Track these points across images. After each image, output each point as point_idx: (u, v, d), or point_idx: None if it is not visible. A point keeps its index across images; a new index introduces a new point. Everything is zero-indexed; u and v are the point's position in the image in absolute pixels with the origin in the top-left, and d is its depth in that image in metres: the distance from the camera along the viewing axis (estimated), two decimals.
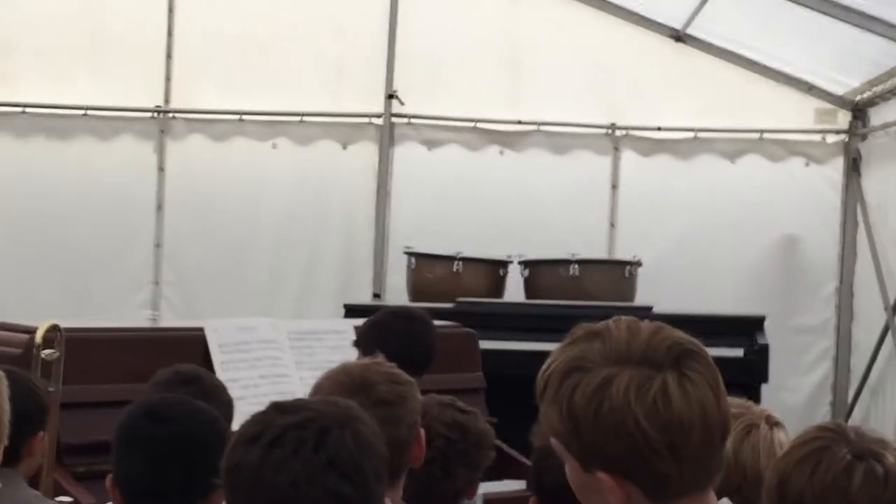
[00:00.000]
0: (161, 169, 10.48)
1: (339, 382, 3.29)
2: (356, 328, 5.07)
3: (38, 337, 4.43)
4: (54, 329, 4.45)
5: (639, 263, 9.52)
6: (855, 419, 10.25)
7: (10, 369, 3.93)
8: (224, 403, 3.97)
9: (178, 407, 3.13)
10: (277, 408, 2.35)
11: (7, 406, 2.49)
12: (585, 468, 2.13)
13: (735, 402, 3.07)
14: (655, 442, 2.06)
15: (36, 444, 3.88)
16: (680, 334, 2.17)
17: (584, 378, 2.10)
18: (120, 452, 3.10)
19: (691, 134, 10.44)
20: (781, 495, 2.78)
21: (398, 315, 4.91)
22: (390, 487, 3.12)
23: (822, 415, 10.42)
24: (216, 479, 2.57)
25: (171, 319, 10.25)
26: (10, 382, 3.72)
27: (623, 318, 2.20)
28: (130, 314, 10.38)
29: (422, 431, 3.34)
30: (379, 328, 4.82)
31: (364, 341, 4.80)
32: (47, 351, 4.42)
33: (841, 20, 8.38)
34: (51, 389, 4.34)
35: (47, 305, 10.15)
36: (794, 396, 10.22)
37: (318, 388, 3.33)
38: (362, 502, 2.28)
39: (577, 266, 9.31)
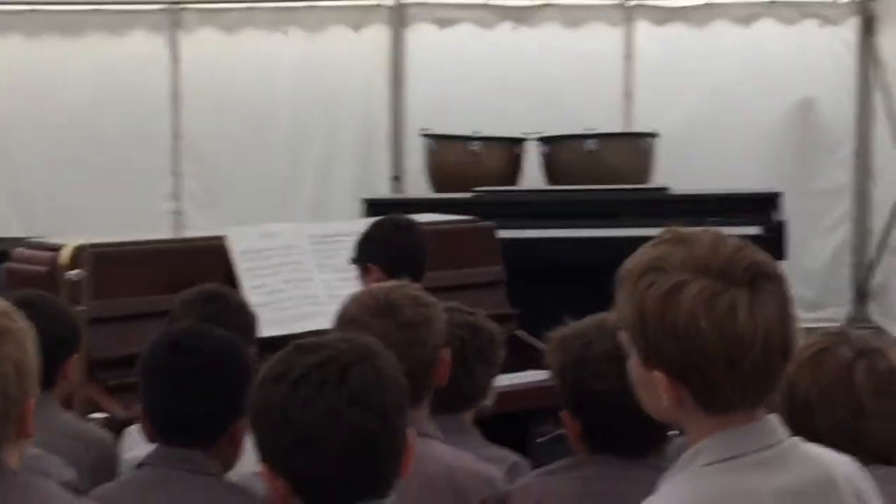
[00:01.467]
0: (175, 61, 10.48)
1: (364, 305, 3.35)
2: None
3: (64, 258, 4.49)
4: (81, 249, 4.52)
5: (656, 135, 9.53)
6: (877, 279, 10.33)
7: (42, 294, 4.03)
8: (247, 319, 4.05)
9: (198, 337, 3.19)
10: (298, 348, 2.43)
11: (34, 355, 2.57)
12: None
13: None
14: (714, 353, 2.12)
15: (69, 366, 3.96)
16: (762, 256, 2.20)
17: (659, 279, 2.15)
18: (145, 385, 3.17)
19: (704, 0, 10.36)
20: (790, 399, 2.85)
21: (384, 226, 5.00)
22: (416, 407, 3.21)
23: (844, 275, 10.50)
24: (241, 407, 2.68)
25: (194, 224, 10.34)
26: (43, 307, 3.81)
27: (713, 230, 2.23)
28: (154, 206, 10.47)
29: (446, 351, 3.41)
30: (369, 241, 4.93)
31: (358, 257, 4.91)
32: (73, 272, 4.50)
33: None
34: (80, 309, 4.42)
35: (70, 203, 10.26)
36: (814, 260, 10.29)
37: (344, 312, 3.38)
38: (386, 435, 2.36)
39: (594, 140, 9.31)
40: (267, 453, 2.38)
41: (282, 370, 2.38)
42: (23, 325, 2.58)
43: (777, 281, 2.19)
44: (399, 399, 2.41)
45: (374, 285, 3.51)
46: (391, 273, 4.71)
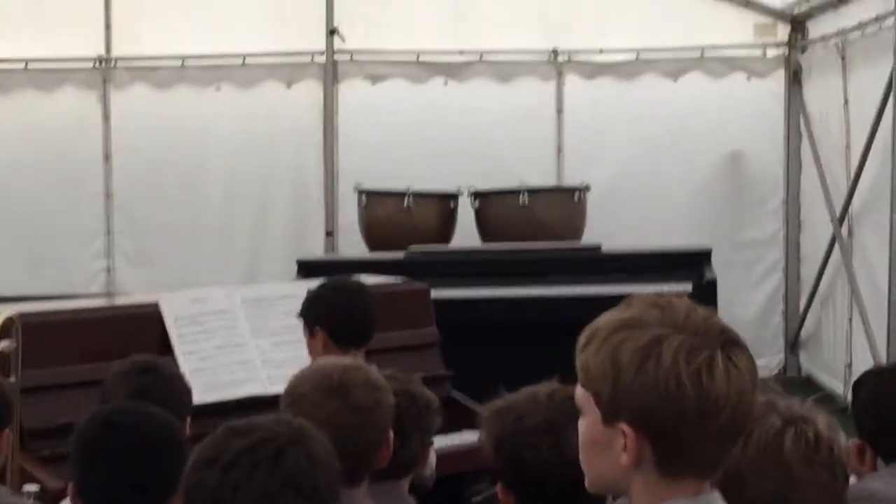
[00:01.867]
0: (106, 118, 10.47)
1: (318, 384, 3.35)
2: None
3: None
4: (10, 321, 4.48)
5: (587, 188, 9.60)
6: (807, 328, 10.44)
7: None
8: (181, 390, 4.03)
9: (132, 415, 3.18)
10: (231, 430, 2.42)
11: None
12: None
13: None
14: (689, 407, 2.15)
15: (2, 440, 3.93)
16: (729, 327, 2.26)
17: (635, 334, 2.20)
18: (78, 462, 3.15)
19: (633, 55, 10.48)
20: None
21: (334, 289, 4.96)
22: (355, 486, 3.22)
23: (775, 325, 10.60)
24: (174, 485, 2.68)
25: (125, 282, 10.31)
26: None
27: (684, 298, 2.29)
28: (85, 265, 10.43)
29: (391, 433, 3.42)
30: (317, 304, 4.90)
31: (306, 316, 4.88)
32: (4, 342, 4.46)
33: None
34: (11, 380, 4.38)
35: (1, 262, 10.19)
36: (746, 309, 10.38)
37: (294, 387, 3.38)
38: None
39: (526, 195, 9.36)
40: None
41: (214, 453, 2.37)
42: None
43: (746, 352, 2.24)
44: (332, 481, 2.41)
45: (328, 362, 3.50)
46: (338, 337, 4.73)
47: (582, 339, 2.27)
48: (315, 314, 4.85)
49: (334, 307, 4.84)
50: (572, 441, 2.78)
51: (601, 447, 2.24)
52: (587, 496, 2.50)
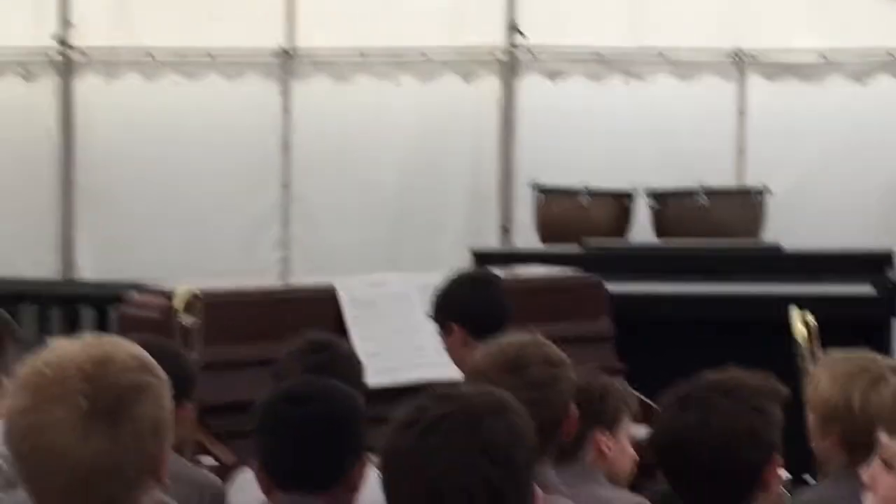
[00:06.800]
0: (286, 110, 10.57)
1: (494, 360, 3.40)
2: None
3: (178, 304, 4.53)
4: (195, 298, 4.55)
5: (768, 191, 9.45)
6: None
7: (162, 341, 4.04)
8: (354, 369, 4.05)
9: (314, 389, 3.22)
10: (433, 395, 2.43)
11: (169, 409, 2.51)
12: None
13: (860, 356, 3.24)
14: None
15: (185, 412, 3.96)
16: None
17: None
18: (262, 437, 3.20)
19: (819, 56, 10.27)
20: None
21: (465, 282, 4.83)
22: (539, 463, 3.20)
23: None
24: (358, 453, 2.82)
25: (301, 273, 10.41)
26: (163, 355, 3.81)
27: None
28: (261, 255, 10.55)
29: (573, 408, 3.40)
30: (449, 299, 4.76)
31: (438, 316, 4.76)
32: (188, 318, 4.52)
33: None
34: (193, 355, 4.45)
35: (178, 247, 10.37)
36: None
37: (475, 364, 3.43)
38: (512, 490, 2.35)
39: (704, 196, 9.26)
40: (392, 497, 2.37)
41: (415, 416, 2.38)
42: (162, 379, 2.51)
43: None
44: (528, 456, 2.41)
45: (506, 340, 3.50)
46: (476, 330, 4.55)
47: None
48: (448, 310, 4.69)
49: (469, 299, 4.69)
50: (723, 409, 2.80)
51: None
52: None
